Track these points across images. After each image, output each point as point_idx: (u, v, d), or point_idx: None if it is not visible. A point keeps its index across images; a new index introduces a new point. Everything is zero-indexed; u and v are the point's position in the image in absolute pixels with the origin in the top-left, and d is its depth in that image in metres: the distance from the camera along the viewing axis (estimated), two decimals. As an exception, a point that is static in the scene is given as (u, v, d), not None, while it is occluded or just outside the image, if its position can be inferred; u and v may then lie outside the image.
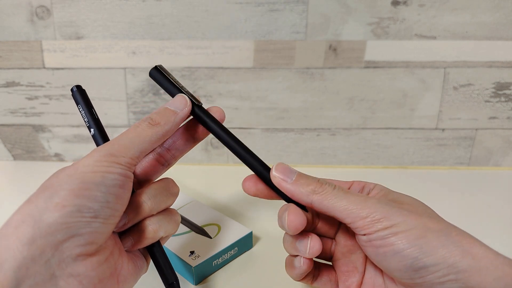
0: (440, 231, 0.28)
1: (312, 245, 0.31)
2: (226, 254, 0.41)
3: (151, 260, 0.32)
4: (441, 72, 0.57)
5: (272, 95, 0.58)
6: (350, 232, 0.33)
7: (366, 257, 0.32)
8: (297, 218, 0.30)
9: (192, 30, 0.55)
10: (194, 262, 0.38)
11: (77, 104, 0.33)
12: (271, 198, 0.33)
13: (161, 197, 0.31)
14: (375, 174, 0.59)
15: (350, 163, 0.62)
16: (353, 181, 0.34)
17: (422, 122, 0.59)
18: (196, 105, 0.32)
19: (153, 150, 0.34)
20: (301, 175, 0.31)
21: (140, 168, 0.33)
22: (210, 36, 0.56)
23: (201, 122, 0.32)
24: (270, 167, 0.32)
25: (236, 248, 0.42)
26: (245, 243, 0.43)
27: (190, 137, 0.34)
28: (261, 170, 0.32)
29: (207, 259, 0.39)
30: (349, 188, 0.33)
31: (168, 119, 0.30)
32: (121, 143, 0.28)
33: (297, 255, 0.32)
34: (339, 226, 0.34)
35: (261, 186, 0.33)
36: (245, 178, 0.33)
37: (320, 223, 0.33)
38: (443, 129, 0.59)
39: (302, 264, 0.31)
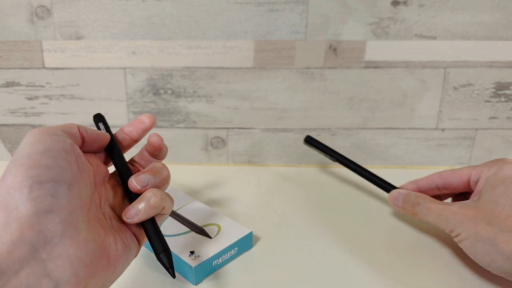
0: (488, 240, 0.35)
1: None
2: (226, 254, 0.41)
3: (143, 245, 0.33)
4: (441, 72, 0.57)
5: (272, 95, 0.58)
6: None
7: None
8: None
9: (192, 30, 0.55)
10: (194, 262, 0.38)
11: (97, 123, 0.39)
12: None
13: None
14: (375, 174, 0.59)
15: (350, 163, 0.62)
16: (471, 172, 0.42)
17: (422, 122, 0.59)
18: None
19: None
20: (404, 201, 0.44)
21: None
22: (210, 36, 0.56)
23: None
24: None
25: (236, 248, 0.42)
26: (245, 243, 0.43)
27: (152, 155, 0.38)
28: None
29: (207, 259, 0.39)
30: (468, 181, 0.42)
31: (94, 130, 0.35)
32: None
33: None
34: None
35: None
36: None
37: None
38: (443, 129, 0.59)
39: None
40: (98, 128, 0.37)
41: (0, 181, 0.26)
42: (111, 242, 0.29)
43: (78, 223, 0.26)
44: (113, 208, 0.33)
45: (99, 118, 0.39)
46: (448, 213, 0.39)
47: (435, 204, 0.40)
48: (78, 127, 0.32)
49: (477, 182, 0.40)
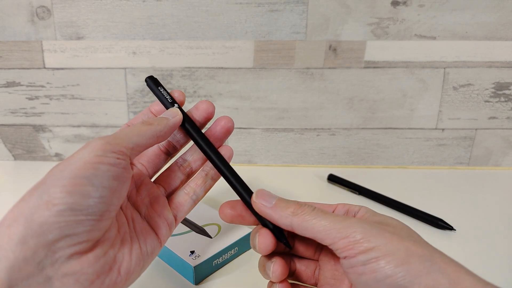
0: (424, 256, 0.26)
1: (274, 269, 0.31)
2: (226, 254, 0.41)
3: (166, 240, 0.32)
4: (440, 72, 0.57)
5: (272, 95, 0.58)
6: (333, 255, 0.32)
7: (351, 285, 0.31)
8: (267, 240, 0.31)
9: (192, 30, 0.55)
10: (194, 262, 0.39)
11: (158, 86, 0.34)
12: (248, 224, 0.33)
13: None
14: (375, 174, 0.60)
15: (350, 163, 0.62)
16: (338, 204, 0.33)
17: (421, 122, 0.59)
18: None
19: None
20: (281, 200, 0.31)
21: (146, 158, 0.34)
22: (210, 36, 0.56)
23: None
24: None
25: (236, 248, 0.42)
26: (245, 243, 0.43)
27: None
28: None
29: (207, 259, 0.39)
30: (333, 211, 0.32)
31: (160, 122, 0.31)
32: (117, 135, 0.29)
33: (273, 283, 0.32)
34: (321, 248, 0.33)
35: (234, 213, 0.33)
36: (221, 206, 0.33)
37: (297, 244, 0.33)
38: (442, 129, 0.59)
39: None
40: (160, 93, 0.34)
41: (36, 193, 0.25)
42: (126, 253, 0.28)
43: (92, 243, 0.26)
44: (136, 205, 0.31)
45: (154, 82, 0.34)
46: (362, 220, 0.28)
47: (331, 212, 0.31)
48: (157, 134, 0.30)
49: (345, 214, 0.32)
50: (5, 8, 0.55)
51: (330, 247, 0.28)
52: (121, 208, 0.30)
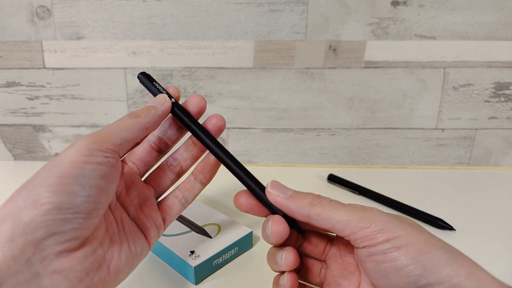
0: (443, 248, 0.26)
1: (287, 256, 0.31)
2: (226, 254, 0.41)
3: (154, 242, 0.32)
4: (440, 72, 0.57)
5: (272, 95, 0.58)
6: (341, 254, 0.32)
7: (359, 283, 0.31)
8: (281, 226, 0.30)
9: (192, 30, 0.55)
10: (194, 262, 0.39)
11: (152, 82, 0.34)
12: (263, 215, 0.32)
13: None
14: (375, 174, 0.60)
15: (350, 163, 0.62)
16: (350, 204, 0.32)
17: (421, 122, 0.59)
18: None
19: (144, 140, 0.34)
20: (296, 191, 0.31)
21: (137, 156, 0.33)
22: (210, 36, 0.56)
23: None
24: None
25: (236, 248, 0.42)
26: (245, 243, 0.43)
27: (179, 127, 0.34)
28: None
29: (207, 259, 0.39)
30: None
31: (148, 112, 0.30)
32: (103, 132, 0.28)
33: (282, 274, 0.32)
34: (330, 246, 0.33)
35: (252, 202, 0.32)
36: (236, 194, 0.32)
37: (306, 243, 0.33)
38: (442, 129, 0.59)
39: (285, 282, 0.31)
40: (155, 88, 0.33)
41: (24, 192, 0.25)
42: (115, 252, 0.28)
43: (80, 240, 0.26)
44: (124, 206, 0.31)
45: (147, 77, 0.34)
46: (380, 212, 0.28)
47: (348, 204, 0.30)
48: (146, 126, 0.30)
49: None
50: (5, 8, 0.55)
51: (347, 237, 0.28)
52: (109, 207, 0.30)
